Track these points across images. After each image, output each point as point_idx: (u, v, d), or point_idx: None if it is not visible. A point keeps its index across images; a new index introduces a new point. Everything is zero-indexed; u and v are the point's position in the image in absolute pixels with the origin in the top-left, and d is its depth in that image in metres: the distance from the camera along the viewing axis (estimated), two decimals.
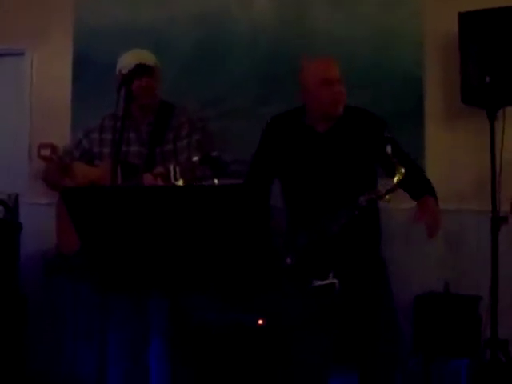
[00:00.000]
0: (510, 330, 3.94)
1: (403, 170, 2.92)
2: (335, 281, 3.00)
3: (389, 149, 2.89)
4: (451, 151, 4.23)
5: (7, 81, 5.28)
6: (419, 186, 3.19)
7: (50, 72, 5.11)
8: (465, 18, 3.95)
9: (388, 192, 2.96)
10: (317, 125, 3.28)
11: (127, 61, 3.34)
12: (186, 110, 3.52)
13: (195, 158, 2.41)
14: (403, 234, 4.12)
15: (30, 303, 4.62)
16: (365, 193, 3.00)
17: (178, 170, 2.36)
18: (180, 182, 2.35)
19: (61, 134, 4.73)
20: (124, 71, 3.29)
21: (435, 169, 4.02)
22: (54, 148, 4.84)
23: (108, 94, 3.15)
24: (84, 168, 3.42)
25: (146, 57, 3.37)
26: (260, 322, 3.97)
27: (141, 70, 3.24)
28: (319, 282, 3.02)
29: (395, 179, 2.93)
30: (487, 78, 3.82)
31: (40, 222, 4.50)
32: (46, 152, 4.90)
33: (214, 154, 2.47)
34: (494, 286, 3.87)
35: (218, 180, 2.38)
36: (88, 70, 4.93)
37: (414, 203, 3.18)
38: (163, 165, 2.89)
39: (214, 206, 2.17)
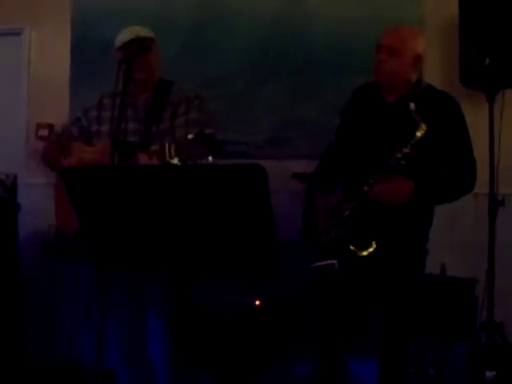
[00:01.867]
0: (505, 312, 3.96)
1: (425, 126, 2.95)
2: (334, 261, 3.00)
3: (412, 106, 2.95)
4: None
5: (5, 60, 5.26)
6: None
7: (48, 51, 5.09)
8: (465, 1, 3.94)
9: (411, 145, 2.97)
10: (387, 95, 3.27)
11: (123, 36, 3.34)
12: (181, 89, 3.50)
13: (190, 136, 2.40)
14: None
15: (28, 283, 4.63)
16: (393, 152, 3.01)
17: (172, 148, 2.35)
18: (175, 160, 2.33)
19: (59, 114, 4.71)
20: (119, 45, 3.31)
21: None
22: (51, 128, 4.83)
23: (107, 73, 3.13)
24: (82, 148, 3.41)
25: (141, 31, 3.36)
26: (257, 302, 3.99)
27: (135, 43, 3.24)
28: (318, 263, 3.03)
29: (418, 133, 2.96)
30: (486, 61, 3.81)
31: (38, 202, 4.51)
32: (44, 132, 4.89)
33: (208, 131, 2.45)
34: (490, 268, 3.89)
35: (213, 158, 2.36)
36: (86, 48, 4.91)
37: None
38: (159, 143, 2.88)
39: (215, 186, 2.18)
